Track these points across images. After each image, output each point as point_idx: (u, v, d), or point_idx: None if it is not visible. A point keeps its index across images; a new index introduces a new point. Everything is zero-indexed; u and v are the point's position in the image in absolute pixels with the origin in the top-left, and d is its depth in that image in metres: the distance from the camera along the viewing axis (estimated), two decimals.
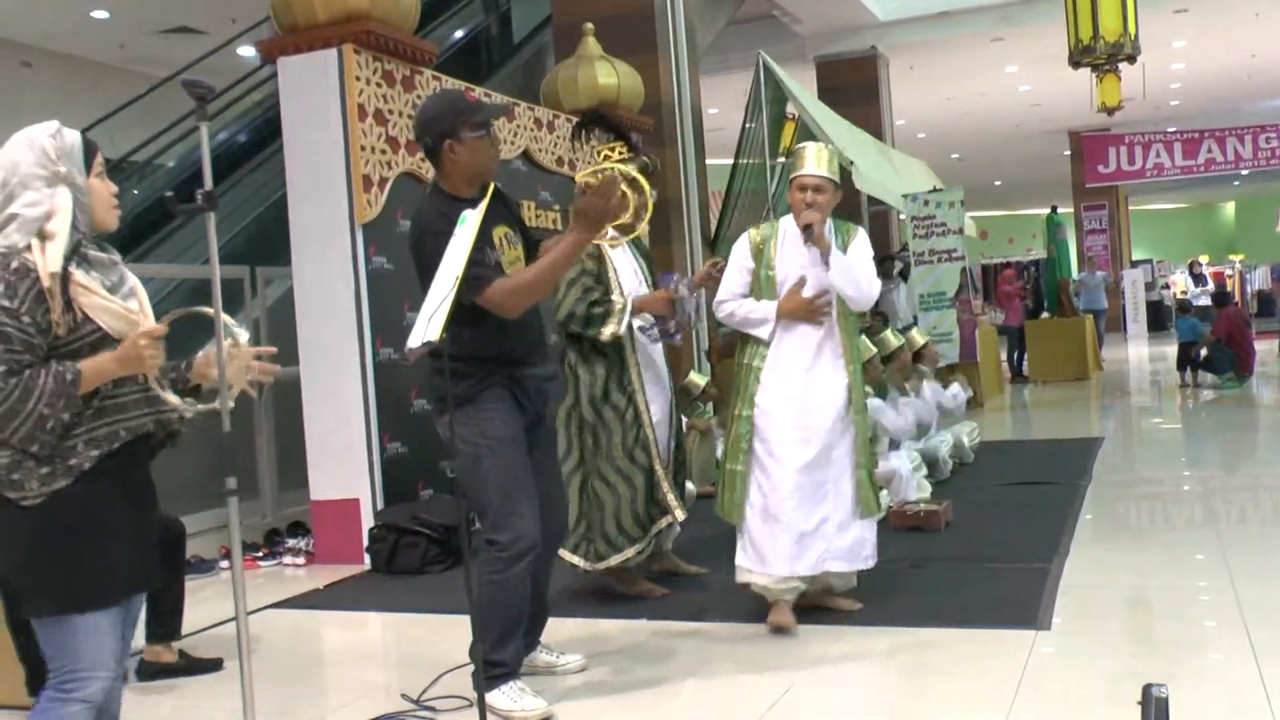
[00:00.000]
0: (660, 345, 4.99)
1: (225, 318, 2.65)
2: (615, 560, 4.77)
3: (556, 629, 4.63)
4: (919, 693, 3.73)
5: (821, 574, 4.41)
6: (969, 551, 5.51)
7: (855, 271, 4.38)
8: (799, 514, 4.31)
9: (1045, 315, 16.86)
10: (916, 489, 6.68)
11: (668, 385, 5.04)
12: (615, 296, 4.72)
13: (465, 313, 3.44)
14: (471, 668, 3.44)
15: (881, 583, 4.86)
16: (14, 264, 2.40)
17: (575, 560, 4.85)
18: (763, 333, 4.44)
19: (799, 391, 4.37)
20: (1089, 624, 4.28)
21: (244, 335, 2.72)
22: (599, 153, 4.84)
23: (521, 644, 3.83)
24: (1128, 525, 6.28)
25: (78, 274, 2.47)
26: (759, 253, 4.50)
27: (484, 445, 3.63)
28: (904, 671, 3.94)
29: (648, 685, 3.97)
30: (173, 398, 2.55)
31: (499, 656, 3.68)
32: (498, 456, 3.60)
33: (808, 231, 4.33)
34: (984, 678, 3.74)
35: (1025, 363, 15.53)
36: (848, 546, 4.40)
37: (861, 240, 4.54)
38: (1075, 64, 13.75)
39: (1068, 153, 26.03)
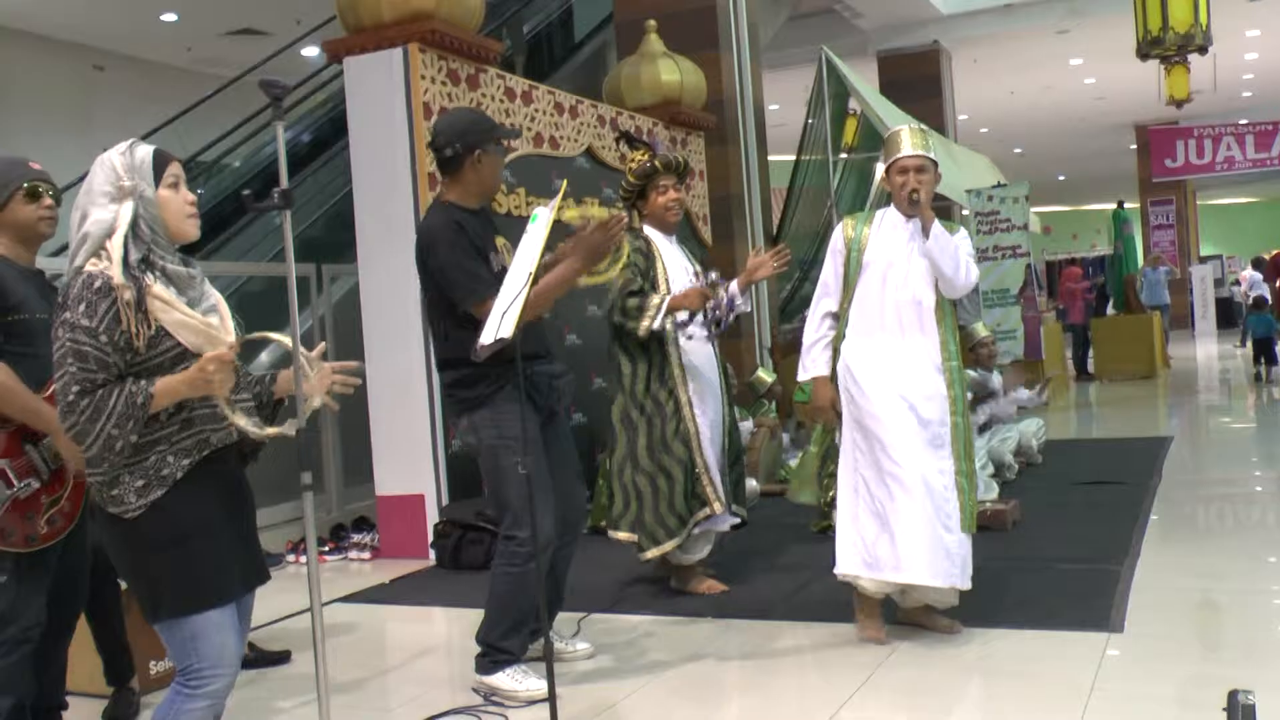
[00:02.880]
0: (714, 344, 5.02)
1: (287, 341, 2.67)
2: (653, 553, 4.85)
3: (622, 625, 4.66)
4: (988, 695, 3.69)
5: (919, 589, 4.19)
6: (1036, 552, 5.44)
7: (956, 250, 4.22)
8: (899, 518, 4.08)
9: (1111, 312, 16.61)
10: (983, 489, 6.61)
11: (719, 383, 5.04)
12: (658, 292, 4.79)
13: (475, 318, 3.61)
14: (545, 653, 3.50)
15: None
16: (97, 284, 2.44)
17: (628, 538, 4.93)
18: (800, 372, 4.35)
19: (896, 391, 4.15)
20: (1162, 627, 4.20)
21: (316, 353, 2.74)
22: (636, 159, 4.99)
23: (527, 635, 3.95)
24: (1198, 527, 6.16)
25: (156, 287, 2.49)
26: (851, 237, 4.29)
27: (501, 445, 3.79)
28: (972, 673, 3.89)
29: (713, 685, 3.96)
30: (240, 420, 2.56)
31: (505, 644, 3.88)
32: (515, 455, 3.67)
33: (914, 197, 4.17)
34: (1055, 680, 3.68)
35: (1090, 360, 15.30)
36: (947, 559, 4.11)
37: (963, 236, 4.36)
38: (1143, 56, 13.49)
39: (1133, 146, 25.59)
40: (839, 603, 4.45)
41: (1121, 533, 5.65)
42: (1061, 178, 31.37)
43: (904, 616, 4.34)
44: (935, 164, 4.31)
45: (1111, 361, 14.91)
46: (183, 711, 2.53)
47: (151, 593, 2.53)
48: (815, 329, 4.34)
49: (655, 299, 4.74)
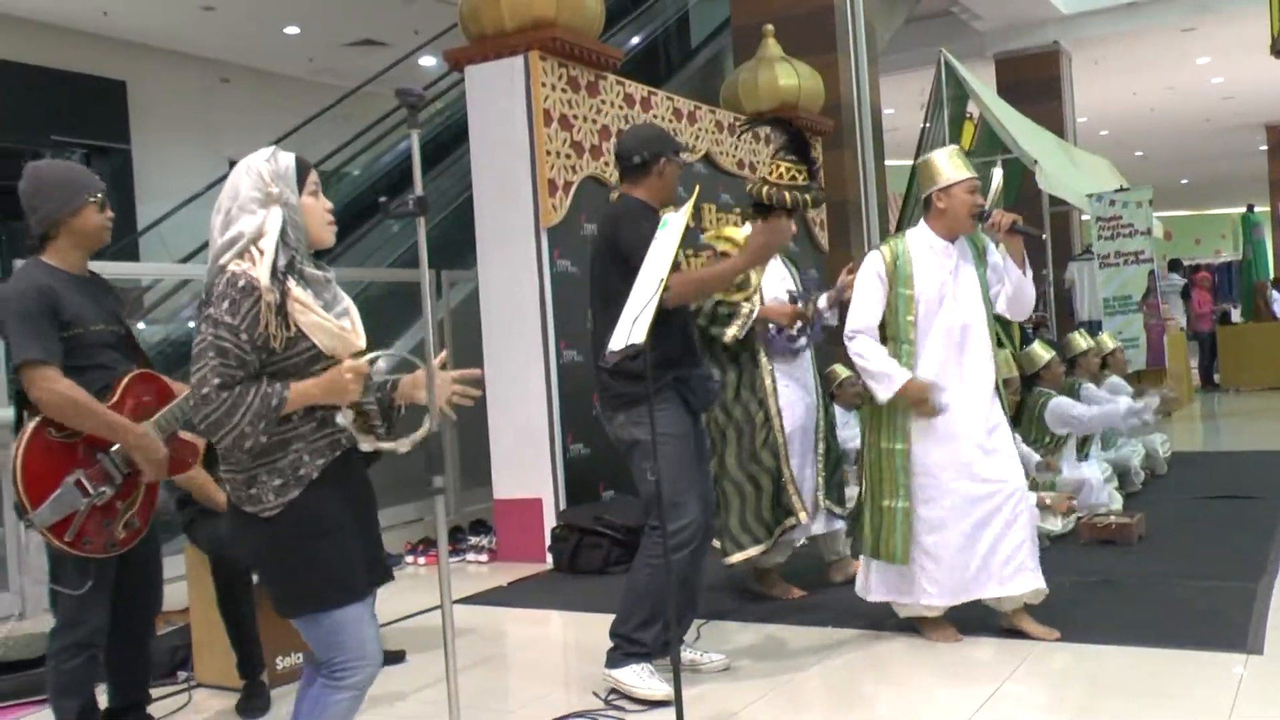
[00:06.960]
0: (809, 350, 5.04)
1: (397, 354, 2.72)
2: (738, 557, 4.90)
3: (741, 632, 4.64)
4: (1120, 714, 3.56)
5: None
6: (1165, 567, 5.27)
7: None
8: (970, 545, 4.21)
9: (1239, 320, 16.09)
10: (1107, 499, 6.44)
11: (814, 389, 5.06)
12: (749, 301, 4.83)
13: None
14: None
15: (1071, 598, 4.69)
16: (241, 282, 2.51)
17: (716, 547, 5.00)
18: (879, 392, 4.21)
19: (958, 417, 4.22)
20: None
21: (437, 362, 2.78)
22: (780, 170, 4.84)
23: (662, 632, 3.92)
24: None
25: (296, 290, 2.56)
26: (893, 270, 4.29)
27: (655, 440, 3.76)
28: (1098, 693, 3.77)
29: (834, 695, 3.92)
30: (366, 441, 2.64)
31: (641, 636, 3.89)
32: (666, 450, 3.74)
33: (1015, 227, 4.26)
34: (1189, 702, 3.56)
35: (1216, 370, 14.82)
36: (1017, 567, 4.22)
37: (993, 250, 4.48)
38: (1277, 53, 13.01)
39: (1264, 148, 24.74)
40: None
41: (1256, 549, 5.45)
42: (1185, 181, 30.43)
43: (1005, 623, 4.34)
44: None
45: (1239, 371, 14.41)
46: (330, 704, 2.61)
47: (291, 589, 2.60)
48: (873, 347, 4.26)
49: (746, 308, 4.80)
